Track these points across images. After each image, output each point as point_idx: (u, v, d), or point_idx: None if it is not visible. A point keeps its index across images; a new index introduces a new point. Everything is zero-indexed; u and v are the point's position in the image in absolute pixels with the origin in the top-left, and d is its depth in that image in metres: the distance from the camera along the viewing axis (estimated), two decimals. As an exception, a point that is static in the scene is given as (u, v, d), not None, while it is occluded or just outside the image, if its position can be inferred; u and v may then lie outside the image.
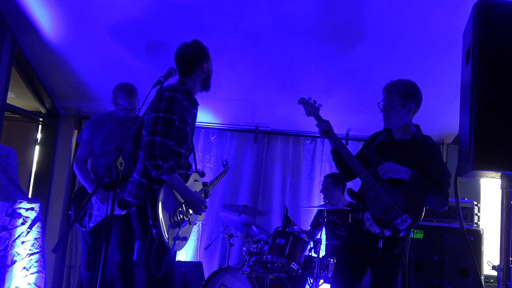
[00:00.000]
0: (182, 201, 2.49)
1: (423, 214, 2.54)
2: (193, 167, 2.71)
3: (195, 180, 2.65)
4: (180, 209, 2.47)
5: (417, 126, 2.76)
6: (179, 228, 2.43)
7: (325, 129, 2.75)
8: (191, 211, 2.55)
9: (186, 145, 2.55)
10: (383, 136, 2.77)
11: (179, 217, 2.44)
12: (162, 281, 2.41)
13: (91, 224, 3.25)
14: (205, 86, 2.69)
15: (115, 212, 3.03)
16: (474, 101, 1.72)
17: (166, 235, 2.34)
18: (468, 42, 1.83)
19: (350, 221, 3.73)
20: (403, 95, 2.64)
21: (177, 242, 2.42)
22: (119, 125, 3.35)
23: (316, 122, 2.78)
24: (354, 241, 2.71)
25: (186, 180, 2.54)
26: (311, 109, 2.84)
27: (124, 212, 3.06)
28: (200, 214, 2.61)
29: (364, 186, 2.65)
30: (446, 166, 2.68)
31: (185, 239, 2.53)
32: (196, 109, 2.68)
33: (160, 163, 2.31)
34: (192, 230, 2.67)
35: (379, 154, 2.68)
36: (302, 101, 2.89)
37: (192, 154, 2.70)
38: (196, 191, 2.64)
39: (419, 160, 2.58)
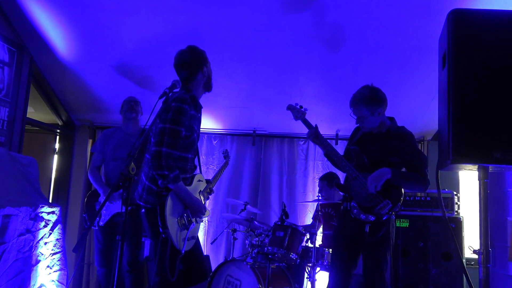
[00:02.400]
0: None
1: (402, 198, 2.60)
2: (198, 168, 2.69)
3: (199, 180, 2.62)
4: (187, 213, 2.43)
5: (391, 118, 2.79)
6: (187, 230, 2.40)
7: (313, 136, 2.76)
8: None
9: (193, 149, 2.50)
10: (362, 131, 2.80)
11: (186, 220, 2.40)
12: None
13: (101, 223, 3.35)
14: (207, 87, 2.62)
15: (120, 210, 3.09)
16: (451, 101, 1.72)
17: (175, 239, 2.32)
18: (443, 47, 1.83)
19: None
20: (368, 105, 2.63)
21: (187, 243, 2.40)
22: (126, 135, 3.52)
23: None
24: (345, 228, 2.74)
25: (191, 182, 2.52)
26: (298, 113, 2.85)
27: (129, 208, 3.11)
28: (200, 218, 2.54)
29: (349, 177, 2.67)
30: (420, 150, 2.71)
31: (194, 237, 2.51)
32: (201, 113, 2.61)
33: (166, 173, 2.25)
34: (200, 227, 2.62)
35: (360, 148, 2.73)
36: (289, 107, 2.92)
37: (197, 156, 2.68)
38: (200, 190, 2.61)
39: (395, 148, 2.62)
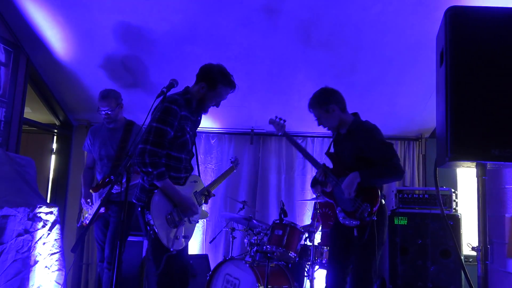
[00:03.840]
0: None
1: (379, 199, 2.61)
2: (195, 169, 2.69)
3: (194, 181, 2.61)
4: (176, 211, 2.43)
5: (355, 114, 2.82)
6: (176, 228, 2.40)
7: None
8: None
9: (186, 150, 2.53)
10: (334, 135, 2.91)
11: (175, 218, 2.40)
12: (166, 276, 2.40)
13: (86, 222, 3.42)
14: (199, 105, 2.56)
15: (116, 190, 3.12)
16: (449, 99, 1.71)
17: (163, 236, 2.32)
18: (441, 45, 1.83)
19: None
20: (320, 104, 2.75)
21: (175, 241, 2.38)
22: (111, 131, 3.42)
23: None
24: (338, 231, 2.78)
25: (184, 182, 2.53)
26: (279, 127, 3.00)
27: (103, 211, 3.23)
28: (192, 216, 2.52)
29: (331, 184, 2.77)
30: (385, 142, 2.69)
31: (186, 237, 2.48)
32: (199, 116, 2.64)
33: (150, 170, 2.29)
34: (195, 228, 2.60)
35: (335, 151, 2.84)
36: (271, 122, 3.04)
37: (195, 157, 2.68)
38: (196, 191, 2.60)
39: (359, 146, 2.66)
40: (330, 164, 2.89)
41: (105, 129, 3.46)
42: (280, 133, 3.00)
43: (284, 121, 3.01)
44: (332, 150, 2.90)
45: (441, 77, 1.81)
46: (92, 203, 3.41)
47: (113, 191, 3.22)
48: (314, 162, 2.87)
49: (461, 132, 1.68)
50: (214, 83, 2.51)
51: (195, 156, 2.69)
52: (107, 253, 3.26)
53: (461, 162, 1.77)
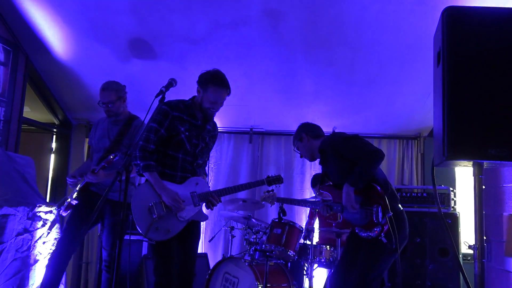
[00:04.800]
0: None
1: (378, 188, 2.59)
2: (206, 173, 2.76)
3: (196, 183, 2.64)
4: (162, 204, 2.52)
5: (323, 139, 2.93)
6: (158, 219, 2.48)
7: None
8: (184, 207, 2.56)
9: (184, 150, 2.60)
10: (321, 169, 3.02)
11: (157, 210, 2.50)
12: (165, 277, 2.48)
13: (72, 202, 3.15)
14: (201, 110, 2.65)
15: (89, 179, 3.06)
16: (446, 98, 1.72)
17: (137, 221, 2.48)
18: (438, 45, 1.84)
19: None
20: (294, 141, 3.03)
21: (155, 231, 2.47)
22: (112, 125, 3.29)
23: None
24: (355, 238, 2.76)
25: (182, 182, 2.59)
26: (272, 199, 3.27)
27: (93, 180, 3.07)
28: (178, 212, 2.54)
29: (339, 212, 2.84)
30: (347, 137, 2.77)
31: (168, 231, 2.51)
32: (206, 122, 2.71)
33: (138, 162, 2.51)
34: (182, 225, 2.58)
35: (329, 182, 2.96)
36: (262, 200, 3.33)
37: (198, 159, 2.69)
38: (194, 192, 2.60)
39: (333, 162, 2.77)
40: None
41: (107, 122, 3.33)
42: (273, 204, 3.28)
43: (272, 190, 3.27)
44: (327, 183, 2.98)
45: (438, 77, 1.82)
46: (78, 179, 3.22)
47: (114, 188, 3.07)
48: (313, 203, 3.03)
49: (458, 131, 1.70)
50: (205, 84, 2.60)
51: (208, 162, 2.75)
52: (105, 255, 3.17)
53: (458, 161, 1.78)
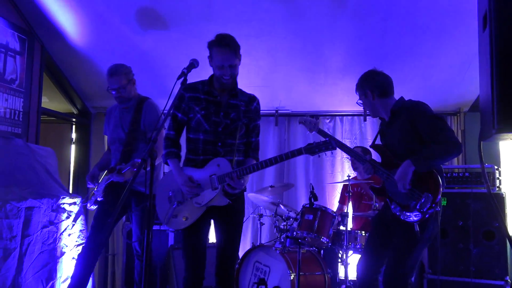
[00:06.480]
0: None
1: (441, 186, 2.44)
2: (223, 152, 2.55)
3: (217, 165, 2.50)
4: (181, 190, 2.57)
5: (401, 98, 2.70)
6: (178, 206, 2.56)
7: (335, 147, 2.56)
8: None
9: (203, 130, 2.53)
10: (380, 123, 2.82)
11: (176, 197, 2.58)
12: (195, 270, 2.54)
13: (100, 198, 3.18)
14: (219, 82, 2.57)
15: (115, 179, 3.06)
16: (494, 66, 1.64)
17: (158, 210, 2.65)
18: (484, 6, 1.75)
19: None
20: (359, 89, 2.73)
21: (173, 219, 2.57)
22: (122, 112, 3.27)
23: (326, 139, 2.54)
24: (382, 218, 2.70)
25: (204, 165, 2.53)
26: (312, 126, 2.92)
27: (120, 179, 3.04)
28: (191, 197, 2.52)
29: (381, 178, 2.62)
30: (432, 114, 2.55)
31: (187, 218, 2.52)
32: (219, 97, 2.58)
33: (163, 150, 2.64)
34: (200, 212, 2.54)
35: (383, 142, 2.75)
36: (301, 121, 2.98)
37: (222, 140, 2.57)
38: (214, 174, 2.48)
39: (403, 129, 2.55)
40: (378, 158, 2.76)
41: (118, 110, 3.31)
42: (313, 132, 2.91)
43: (318, 118, 2.97)
44: (378, 142, 2.78)
45: (485, 43, 1.74)
46: (98, 182, 3.24)
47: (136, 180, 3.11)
48: (359, 157, 2.76)
49: (508, 101, 1.62)
50: (210, 49, 2.55)
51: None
52: (136, 247, 3.21)
53: (509, 134, 1.71)
